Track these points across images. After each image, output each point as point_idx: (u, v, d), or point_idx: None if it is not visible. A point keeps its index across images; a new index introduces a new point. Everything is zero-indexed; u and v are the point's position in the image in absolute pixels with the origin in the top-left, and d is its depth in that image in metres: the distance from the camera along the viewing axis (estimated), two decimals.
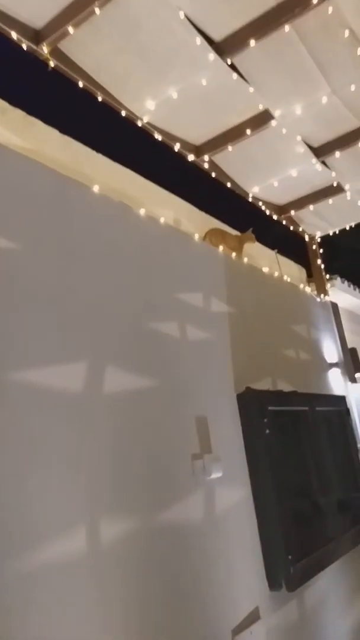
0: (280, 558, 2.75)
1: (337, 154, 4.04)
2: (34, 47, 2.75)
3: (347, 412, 4.20)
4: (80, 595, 1.78)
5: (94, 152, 3.21)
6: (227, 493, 2.68)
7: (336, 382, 4.51)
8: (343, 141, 3.95)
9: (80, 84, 3.02)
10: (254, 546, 2.77)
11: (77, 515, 1.85)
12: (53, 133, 2.99)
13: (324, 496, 3.50)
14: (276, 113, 3.51)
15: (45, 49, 2.78)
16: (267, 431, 2.97)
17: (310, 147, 3.99)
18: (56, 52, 2.85)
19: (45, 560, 1.69)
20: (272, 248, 5.05)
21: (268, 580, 2.73)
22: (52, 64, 2.85)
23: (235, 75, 3.14)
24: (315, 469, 3.53)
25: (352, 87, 3.37)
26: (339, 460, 3.94)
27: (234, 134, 3.67)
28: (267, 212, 4.79)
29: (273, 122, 3.55)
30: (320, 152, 4.08)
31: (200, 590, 2.31)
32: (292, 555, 2.78)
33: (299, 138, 3.86)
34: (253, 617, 2.57)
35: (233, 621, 2.44)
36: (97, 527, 1.91)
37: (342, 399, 4.26)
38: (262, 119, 3.54)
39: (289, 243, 5.72)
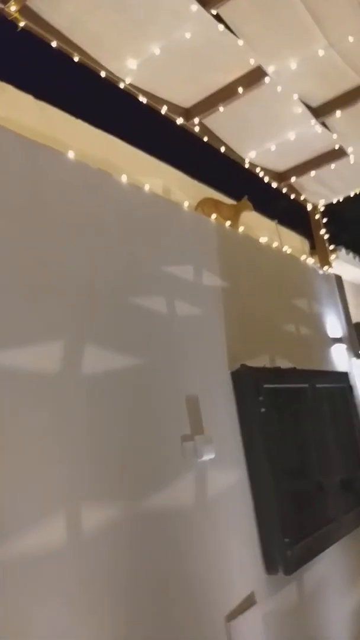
0: (277, 541, 2.71)
1: (338, 113, 3.87)
2: (1, 5, 2.61)
3: (350, 388, 4.12)
4: (61, 586, 1.74)
5: (72, 118, 3.09)
6: (221, 475, 2.63)
7: (339, 358, 4.42)
8: (343, 100, 3.78)
9: (54, 44, 2.87)
10: (249, 529, 2.73)
11: (56, 502, 1.80)
12: (26, 99, 2.87)
13: (325, 476, 3.45)
14: (269, 69, 3.34)
15: (13, 8, 2.64)
16: (263, 410, 2.90)
17: (308, 107, 3.83)
18: (25, 11, 2.70)
19: (21, 550, 1.65)
20: (273, 219, 4.92)
21: (264, 564, 2.70)
22: (21, 23, 2.71)
23: (221, 27, 2.98)
24: (315, 448, 3.47)
25: (351, 39, 3.19)
26: (341, 438, 3.87)
27: (225, 94, 3.51)
28: (266, 180, 4.63)
29: (267, 80, 3.39)
30: (320, 112, 3.91)
31: (192, 577, 2.27)
32: (289, 538, 2.74)
33: (295, 97, 3.69)
34: (249, 602, 2.54)
35: (227, 607, 2.41)
36: (78, 515, 1.86)
37: (345, 376, 4.18)
38: (254, 76, 3.38)
39: (292, 214, 5.59)
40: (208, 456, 2.48)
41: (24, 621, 1.61)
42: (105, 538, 1.93)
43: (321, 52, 3.26)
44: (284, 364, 3.49)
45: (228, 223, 3.69)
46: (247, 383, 2.92)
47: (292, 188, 4.95)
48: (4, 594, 1.58)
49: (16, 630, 1.58)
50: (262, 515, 2.75)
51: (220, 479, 2.62)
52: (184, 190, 3.79)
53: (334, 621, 3.23)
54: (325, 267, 4.94)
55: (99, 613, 1.83)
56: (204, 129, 3.85)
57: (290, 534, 2.77)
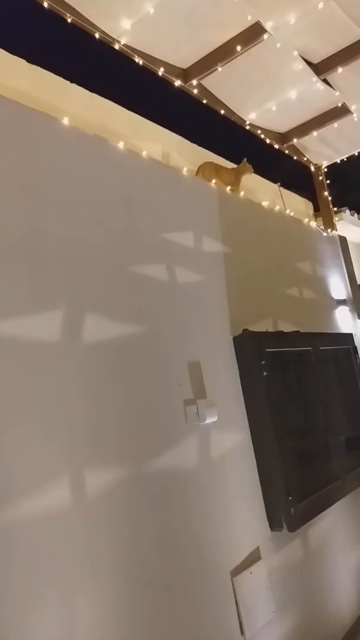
0: (281, 498, 2.76)
1: (340, 69, 3.74)
2: None
3: (355, 349, 4.12)
4: (66, 547, 1.78)
5: (67, 83, 2.99)
6: (224, 437, 2.67)
7: (343, 320, 4.40)
8: (345, 54, 3.63)
9: (45, 5, 2.77)
10: (253, 488, 2.78)
11: (60, 467, 1.83)
12: (19, 63, 2.78)
13: (329, 435, 3.48)
14: (268, 25, 3.20)
15: None
16: (265, 373, 2.91)
17: (309, 63, 3.69)
18: None
19: (26, 514, 1.69)
20: (275, 181, 4.82)
21: (269, 521, 2.76)
22: None
23: None
24: (319, 409, 3.49)
25: None
26: (346, 398, 3.90)
27: (223, 53, 3.38)
28: (268, 142, 4.52)
29: (265, 36, 3.25)
30: (321, 68, 3.77)
31: (197, 535, 2.33)
32: (292, 496, 2.79)
33: (295, 53, 3.55)
34: (253, 558, 2.61)
35: (232, 563, 2.48)
36: (82, 478, 1.90)
37: (349, 337, 4.16)
38: (253, 33, 3.24)
39: (295, 176, 5.47)
40: (211, 419, 2.51)
41: (30, 583, 1.65)
42: (109, 500, 1.97)
43: (320, 5, 3.11)
44: (287, 327, 3.48)
45: (229, 188, 3.62)
46: (249, 347, 2.92)
47: (294, 149, 4.83)
48: (9, 559, 1.62)
49: (23, 591, 1.63)
50: (266, 475, 2.80)
51: (223, 440, 2.65)
52: (183, 155, 3.71)
53: (338, 576, 3.32)
54: (330, 229, 4.86)
55: (103, 573, 1.88)
56: (203, 90, 3.74)
57: (294, 492, 2.82)
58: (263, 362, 2.92)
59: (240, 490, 2.68)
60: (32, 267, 1.96)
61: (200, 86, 3.68)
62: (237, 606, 2.39)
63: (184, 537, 2.27)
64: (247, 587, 2.47)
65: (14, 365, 1.79)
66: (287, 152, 4.76)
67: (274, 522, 2.75)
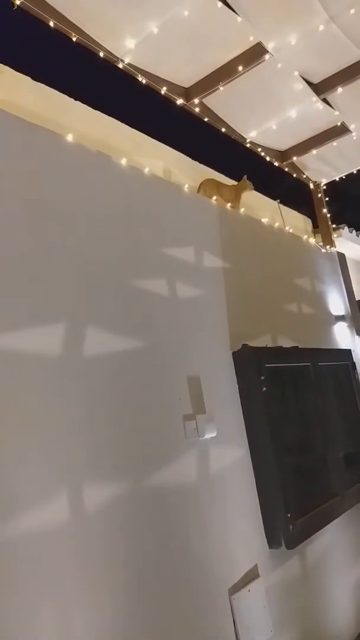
0: (279, 516, 2.73)
1: (340, 89, 3.77)
2: None
3: (353, 365, 4.10)
4: (63, 563, 1.76)
5: (71, 100, 3.02)
6: (223, 453, 2.64)
7: (342, 336, 4.40)
8: (345, 75, 3.68)
9: (52, 24, 2.81)
10: (252, 505, 2.75)
11: (58, 481, 1.81)
12: (24, 80, 2.80)
13: (328, 451, 3.46)
14: (269, 46, 3.25)
15: None
16: (264, 388, 2.90)
17: (309, 83, 3.73)
18: None
19: (24, 529, 1.67)
20: (275, 198, 4.85)
21: (267, 538, 2.73)
22: (17, 2, 2.64)
23: (219, 3, 2.89)
24: (318, 425, 3.47)
25: (352, 11, 3.08)
26: (345, 415, 3.88)
27: (225, 73, 3.42)
28: (268, 159, 4.56)
29: (267, 56, 3.29)
30: (321, 88, 3.81)
31: (195, 552, 2.30)
32: (291, 513, 2.76)
33: (296, 73, 3.59)
34: (251, 576, 2.57)
35: (230, 580, 2.45)
36: (80, 493, 1.88)
37: (347, 353, 4.16)
38: (254, 54, 3.29)
39: (294, 193, 5.50)
40: (210, 434, 2.49)
41: (28, 598, 1.63)
42: (107, 516, 1.94)
43: (321, 27, 3.16)
44: (286, 343, 3.48)
45: (229, 204, 3.64)
46: (249, 363, 2.91)
47: (294, 167, 4.87)
48: (7, 573, 1.60)
49: (19, 606, 1.60)
50: (264, 491, 2.77)
51: (222, 456, 2.63)
52: (184, 172, 3.74)
53: (337, 594, 3.27)
54: (329, 246, 4.88)
55: (100, 589, 1.85)
56: (205, 109, 3.77)
57: (292, 509, 2.79)
58: (262, 378, 2.91)
59: (239, 507, 2.65)
60: (33, 281, 1.96)
61: (201, 105, 3.71)
62: (234, 624, 2.35)
63: (182, 553, 2.24)
64: (245, 605, 2.43)
65: (13, 379, 1.78)
66: (286, 169, 4.80)
67: (272, 540, 2.72)
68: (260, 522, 2.75)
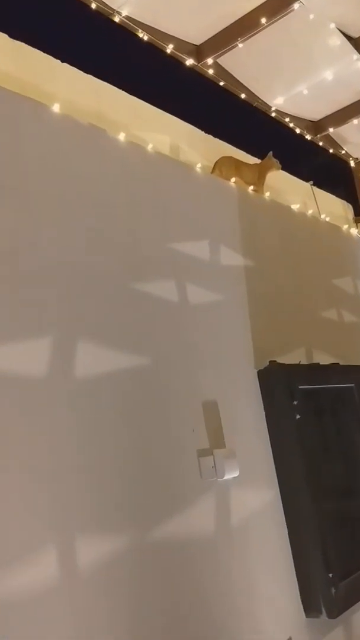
0: (319, 576, 2.73)
1: None
2: None
3: None
4: (57, 630, 1.77)
5: (57, 62, 3.06)
6: (247, 497, 2.66)
7: None
8: None
9: None
10: (284, 562, 2.75)
11: (48, 532, 1.83)
12: (0, 38, 2.85)
13: None
14: None
15: None
16: (298, 416, 2.91)
17: (348, 37, 3.78)
18: None
19: (8, 591, 1.68)
20: (307, 180, 4.88)
21: (303, 604, 2.72)
22: None
23: None
24: None
25: None
26: None
27: (244, 26, 3.50)
28: (298, 131, 4.62)
29: (296, 5, 3.35)
30: None
31: (212, 619, 2.30)
32: (333, 573, 2.76)
33: (332, 25, 3.65)
34: None
35: None
36: (75, 547, 1.89)
37: None
38: (280, 2, 3.35)
39: (331, 173, 5.55)
40: (231, 474, 2.50)
41: None
42: (106, 574, 1.95)
43: None
44: (324, 359, 3.49)
45: (251, 187, 3.68)
46: (278, 384, 2.93)
47: (330, 140, 4.92)
48: None
49: None
50: (299, 545, 2.77)
51: (246, 501, 2.64)
52: (196, 148, 3.77)
53: None
54: None
55: None
56: (220, 70, 3.84)
57: (335, 568, 2.78)
58: (295, 403, 2.92)
59: (267, 565, 2.65)
60: (14, 287, 1.98)
61: (216, 66, 3.78)
62: None
63: (197, 621, 2.24)
64: None
65: None
66: (321, 144, 4.86)
67: (309, 606, 2.72)
68: (294, 585, 2.75)
